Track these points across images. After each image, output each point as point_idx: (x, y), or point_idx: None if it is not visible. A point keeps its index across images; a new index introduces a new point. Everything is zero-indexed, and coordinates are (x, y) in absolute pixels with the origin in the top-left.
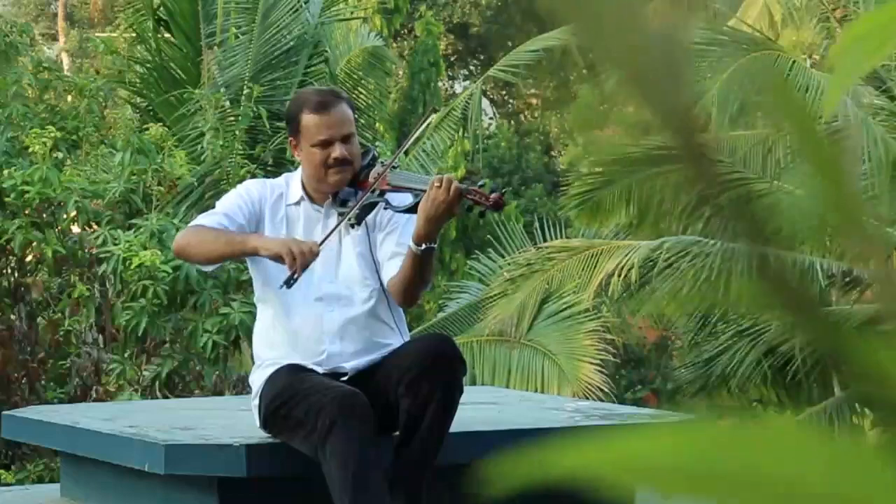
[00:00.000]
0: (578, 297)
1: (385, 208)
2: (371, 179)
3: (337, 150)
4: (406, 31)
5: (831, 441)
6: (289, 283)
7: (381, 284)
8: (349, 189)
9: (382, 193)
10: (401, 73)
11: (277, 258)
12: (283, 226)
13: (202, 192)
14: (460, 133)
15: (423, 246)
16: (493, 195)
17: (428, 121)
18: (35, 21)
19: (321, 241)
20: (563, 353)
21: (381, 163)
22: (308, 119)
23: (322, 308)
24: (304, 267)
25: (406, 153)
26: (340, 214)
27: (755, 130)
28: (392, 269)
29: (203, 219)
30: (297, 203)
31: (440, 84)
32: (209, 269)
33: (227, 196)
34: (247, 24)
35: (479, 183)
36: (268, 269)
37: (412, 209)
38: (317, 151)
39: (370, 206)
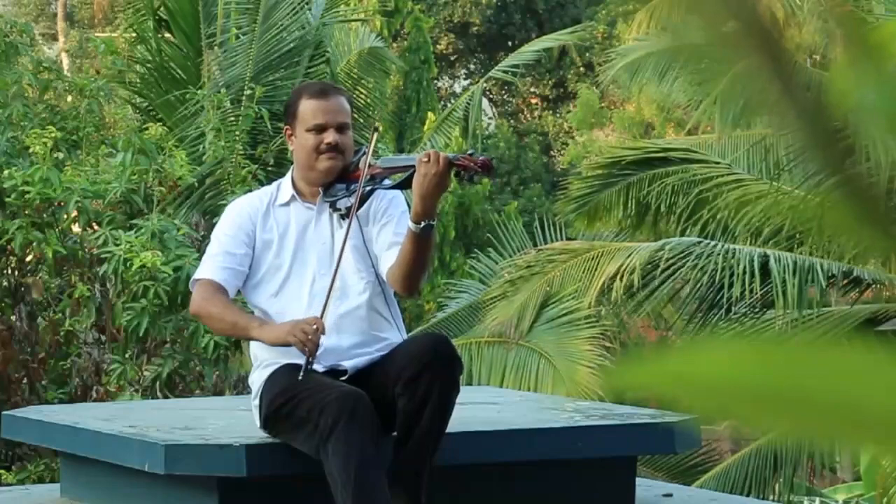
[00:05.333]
0: (579, 301)
1: (377, 187)
2: (361, 168)
3: (330, 136)
4: (407, 31)
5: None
6: (307, 371)
7: (377, 277)
8: (340, 185)
9: (374, 178)
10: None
11: (286, 346)
12: (274, 231)
13: (203, 193)
14: (458, 133)
15: (423, 224)
16: (481, 158)
17: (373, 141)
18: (35, 21)
19: (335, 268)
20: (560, 355)
21: (364, 151)
22: (305, 104)
23: (317, 301)
24: (317, 347)
25: (407, 153)
26: (333, 207)
27: (755, 131)
28: (390, 258)
29: (207, 268)
30: (287, 203)
31: (440, 83)
32: None
33: (220, 227)
34: (247, 24)
35: (469, 151)
36: (259, 279)
37: (402, 184)
38: (310, 136)
39: (365, 197)
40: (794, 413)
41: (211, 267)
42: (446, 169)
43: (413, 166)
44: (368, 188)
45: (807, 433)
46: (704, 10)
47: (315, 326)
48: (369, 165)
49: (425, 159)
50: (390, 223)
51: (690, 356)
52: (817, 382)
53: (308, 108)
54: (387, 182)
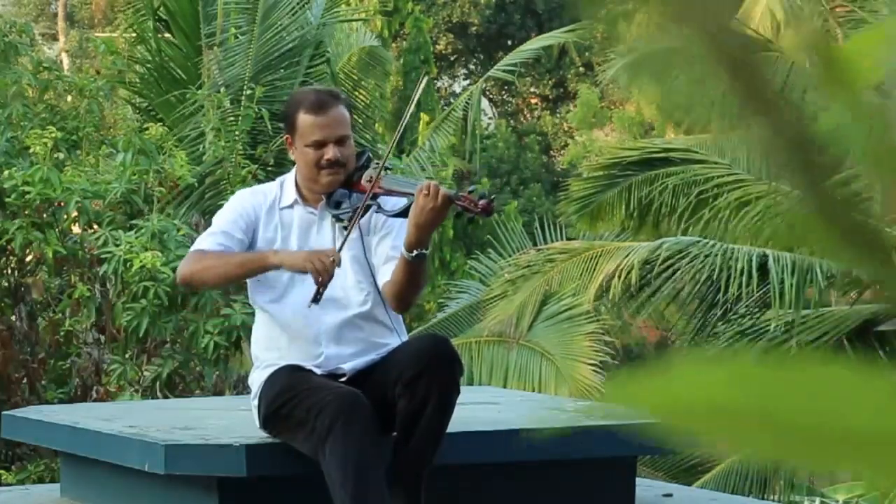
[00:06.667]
0: (578, 299)
1: (377, 211)
2: (364, 182)
3: (330, 152)
4: (406, 32)
5: (877, 381)
6: (316, 298)
7: (377, 288)
8: (342, 191)
9: (375, 196)
10: (395, 72)
11: (301, 272)
12: (276, 232)
13: (203, 193)
14: (460, 133)
15: (415, 252)
16: (482, 202)
17: (421, 85)
18: (35, 21)
19: (339, 246)
20: (561, 353)
21: (375, 164)
22: (304, 119)
23: (317, 310)
24: (331, 278)
25: (407, 153)
26: (335, 217)
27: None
28: (387, 273)
29: (202, 241)
30: (291, 206)
31: (440, 83)
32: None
33: (221, 212)
34: (247, 24)
35: (470, 188)
36: (264, 278)
37: (403, 213)
38: (310, 151)
39: (364, 210)
40: (779, 436)
41: (205, 242)
42: (445, 206)
43: (413, 195)
44: (368, 204)
45: (792, 457)
46: (680, 26)
47: (332, 258)
48: (375, 182)
49: (426, 192)
50: (389, 235)
51: (677, 378)
52: (801, 404)
53: (306, 124)
54: (386, 205)
